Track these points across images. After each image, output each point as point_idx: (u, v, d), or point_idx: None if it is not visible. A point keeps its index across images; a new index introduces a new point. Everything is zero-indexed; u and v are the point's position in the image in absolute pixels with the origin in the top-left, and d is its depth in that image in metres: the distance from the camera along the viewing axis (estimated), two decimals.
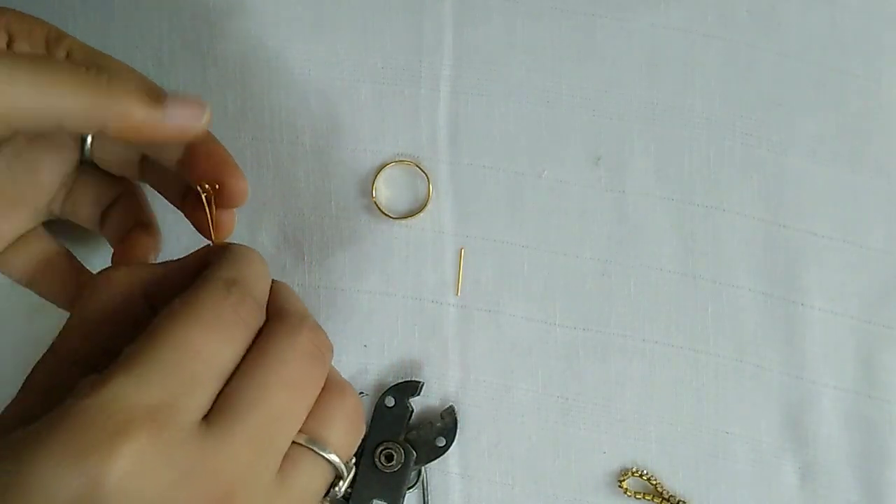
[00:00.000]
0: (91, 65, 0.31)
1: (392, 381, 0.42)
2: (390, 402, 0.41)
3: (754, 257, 0.42)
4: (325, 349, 0.32)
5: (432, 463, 0.42)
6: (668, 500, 0.41)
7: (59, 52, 0.33)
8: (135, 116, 0.31)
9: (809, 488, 0.41)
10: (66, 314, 0.42)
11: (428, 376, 0.42)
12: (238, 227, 0.42)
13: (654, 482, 0.41)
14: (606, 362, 0.42)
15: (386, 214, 0.42)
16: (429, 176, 0.43)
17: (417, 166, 0.43)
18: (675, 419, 0.42)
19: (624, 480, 0.41)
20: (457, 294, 0.42)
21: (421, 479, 0.41)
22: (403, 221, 0.43)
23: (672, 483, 0.42)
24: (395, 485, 0.40)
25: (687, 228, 0.43)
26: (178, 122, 0.31)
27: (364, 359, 0.42)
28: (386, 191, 0.43)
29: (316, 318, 0.42)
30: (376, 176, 0.43)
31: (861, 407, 0.42)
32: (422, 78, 0.43)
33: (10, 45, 0.33)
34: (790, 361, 0.42)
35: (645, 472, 0.41)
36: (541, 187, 0.43)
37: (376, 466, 0.40)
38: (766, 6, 0.44)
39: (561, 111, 0.43)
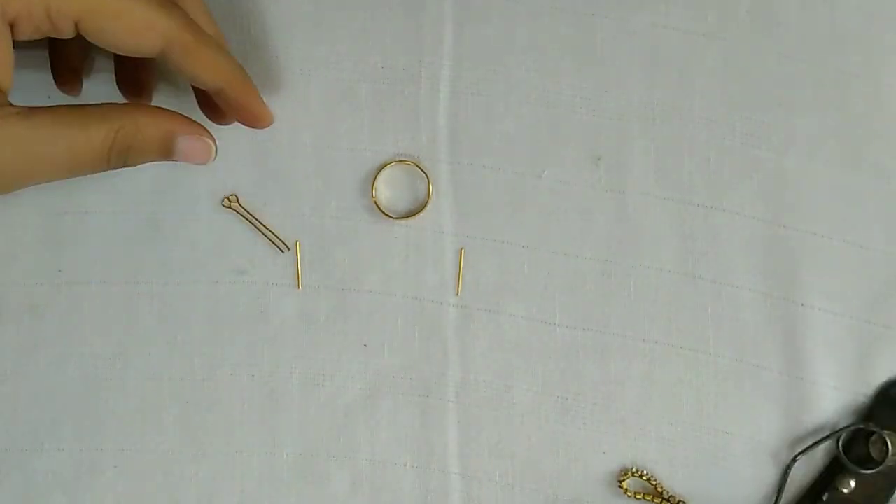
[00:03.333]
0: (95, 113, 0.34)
1: (392, 381, 0.42)
2: None
3: (754, 257, 0.42)
4: None
5: (432, 462, 0.42)
6: (668, 501, 0.41)
7: (63, 26, 0.34)
8: (149, 159, 0.36)
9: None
10: (65, 315, 0.42)
11: (428, 376, 0.42)
12: (238, 227, 0.42)
13: (654, 482, 0.41)
14: (606, 362, 0.42)
15: (386, 214, 0.42)
16: (429, 176, 0.43)
17: (417, 166, 0.43)
18: (675, 419, 0.42)
19: (624, 480, 0.41)
20: (457, 294, 0.42)
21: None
22: (403, 221, 0.43)
23: (672, 483, 0.42)
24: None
25: (687, 228, 0.43)
26: (187, 159, 0.36)
27: (364, 359, 0.42)
28: (386, 191, 0.43)
29: (316, 318, 0.42)
30: (376, 176, 0.43)
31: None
32: (422, 78, 0.43)
33: (13, 29, 0.33)
34: (790, 361, 0.42)
35: (645, 472, 0.41)
36: (541, 187, 0.43)
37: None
38: (766, 6, 0.44)
39: (561, 111, 0.43)
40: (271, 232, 0.42)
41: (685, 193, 0.43)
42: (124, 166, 0.35)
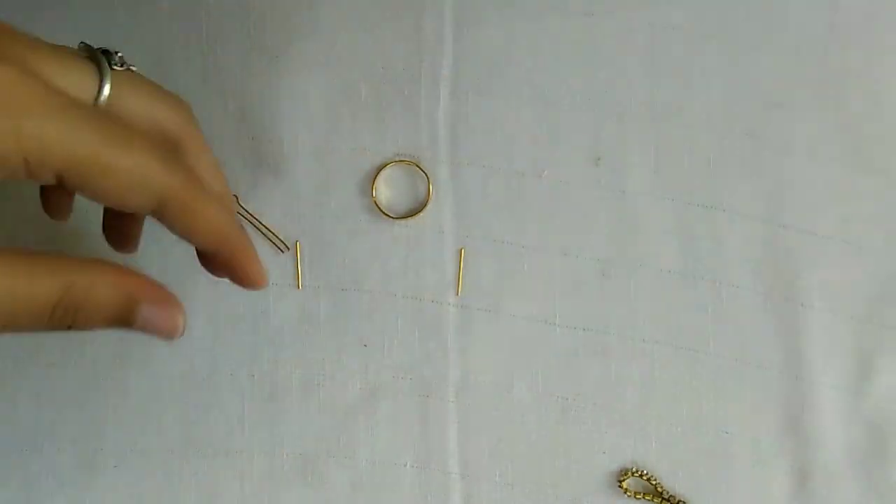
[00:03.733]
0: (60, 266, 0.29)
1: (392, 381, 0.42)
2: None
3: (754, 257, 0.42)
4: None
5: (432, 462, 0.42)
6: (668, 500, 0.41)
7: (43, 176, 0.29)
8: (101, 326, 0.30)
9: (809, 488, 0.41)
10: None
11: (428, 376, 0.42)
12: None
13: (654, 482, 0.41)
14: (606, 362, 0.42)
15: (386, 214, 0.42)
16: (429, 176, 0.43)
17: (417, 166, 0.43)
18: (675, 419, 0.42)
19: (624, 480, 0.41)
20: (457, 294, 0.42)
21: None
22: (403, 221, 0.43)
23: (672, 483, 0.42)
24: None
25: (687, 228, 0.43)
26: (149, 332, 0.31)
27: (364, 359, 0.42)
28: (386, 191, 0.43)
29: (316, 318, 0.42)
30: (376, 176, 0.43)
31: (861, 407, 0.42)
32: (422, 78, 0.43)
33: None
34: (790, 361, 0.42)
35: (645, 472, 0.41)
36: (541, 187, 0.43)
37: None
38: (766, 6, 0.44)
39: (561, 111, 0.43)
40: (271, 232, 0.42)
41: (685, 193, 0.43)
42: (70, 329, 0.29)
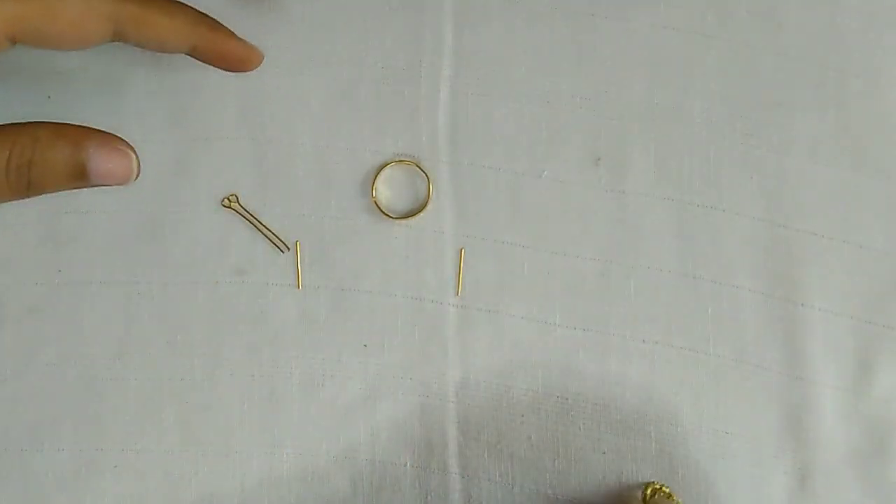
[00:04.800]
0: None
1: (392, 381, 0.42)
2: None
3: (754, 257, 0.43)
4: None
5: (432, 462, 0.42)
6: None
7: None
8: (59, 181, 0.31)
9: (809, 488, 0.41)
10: (65, 314, 0.42)
11: (428, 376, 0.42)
12: (238, 227, 0.42)
13: (677, 500, 0.41)
14: (606, 362, 0.42)
15: (386, 214, 0.42)
16: (429, 176, 0.43)
17: (417, 166, 0.43)
18: (675, 419, 0.42)
19: (649, 497, 0.40)
20: (457, 294, 0.42)
21: None
22: (403, 221, 0.43)
23: (672, 483, 0.42)
24: None
25: (687, 228, 0.43)
26: (104, 177, 0.31)
27: (364, 359, 0.42)
28: (386, 191, 0.43)
29: (316, 317, 0.42)
30: (376, 176, 0.43)
31: (861, 407, 0.42)
32: (422, 78, 0.43)
33: None
34: (790, 361, 0.42)
35: (666, 486, 0.41)
36: (541, 187, 0.43)
37: None
38: (766, 6, 0.44)
39: (561, 111, 0.43)
40: (271, 232, 0.42)
41: (685, 193, 0.43)
42: (32, 192, 0.30)
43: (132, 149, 0.32)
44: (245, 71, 0.36)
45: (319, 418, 0.42)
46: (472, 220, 0.43)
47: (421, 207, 0.43)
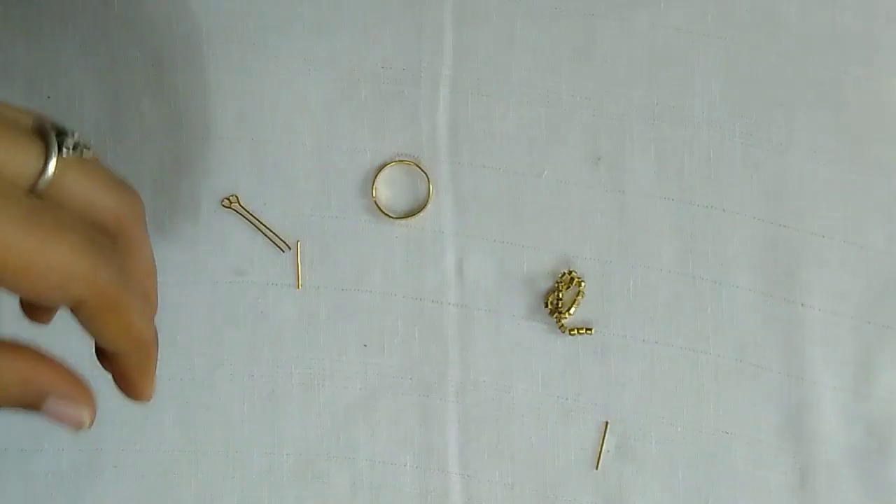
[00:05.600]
0: None
1: (392, 381, 0.42)
2: None
3: (754, 257, 0.42)
4: None
5: (432, 462, 0.42)
6: None
7: None
8: (9, 408, 0.30)
9: (809, 488, 0.41)
10: (65, 314, 0.42)
11: (428, 376, 0.42)
12: (238, 227, 0.42)
13: None
14: (606, 362, 0.42)
15: (386, 214, 0.42)
16: (429, 176, 0.43)
17: (417, 166, 0.43)
18: (675, 419, 0.42)
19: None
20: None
21: None
22: (403, 221, 0.43)
23: (672, 483, 0.42)
24: None
25: (687, 228, 0.43)
26: (55, 421, 0.30)
27: (364, 359, 0.42)
28: (386, 191, 0.43)
29: (316, 317, 0.42)
30: (376, 176, 0.43)
31: (861, 407, 0.42)
32: (422, 78, 0.43)
33: None
34: (790, 361, 0.42)
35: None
36: (541, 187, 0.43)
37: None
38: (766, 6, 0.44)
39: (561, 111, 0.43)
40: (271, 232, 0.42)
41: (685, 193, 0.43)
42: None
43: (89, 401, 0.31)
44: (129, 398, 0.34)
45: (319, 418, 0.42)
46: (472, 220, 0.43)
47: (421, 207, 0.43)
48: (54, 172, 0.29)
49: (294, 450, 0.42)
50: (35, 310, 0.35)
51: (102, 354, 0.33)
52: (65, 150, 0.29)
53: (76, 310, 0.30)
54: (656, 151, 0.43)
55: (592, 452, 0.42)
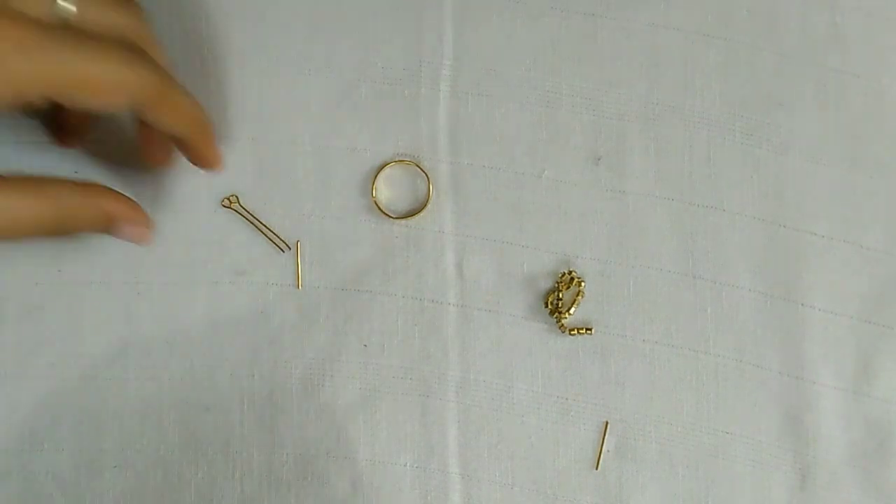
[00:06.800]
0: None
1: (392, 381, 0.42)
2: None
3: (754, 257, 0.43)
4: None
5: (432, 462, 0.42)
6: None
7: (34, 100, 0.34)
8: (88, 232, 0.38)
9: (809, 488, 0.41)
10: (65, 314, 0.42)
11: (428, 376, 0.42)
12: (238, 227, 0.42)
13: None
14: (606, 362, 0.42)
15: (386, 214, 0.42)
16: (429, 176, 0.43)
17: (417, 166, 0.43)
18: (675, 419, 0.42)
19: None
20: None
21: None
22: (403, 221, 0.43)
23: (672, 483, 0.42)
24: None
25: (687, 228, 0.43)
26: (125, 239, 0.38)
27: (364, 359, 0.42)
28: (386, 191, 0.43)
29: (315, 318, 0.42)
30: (376, 176, 0.43)
31: (861, 407, 0.42)
32: (422, 78, 0.43)
33: None
34: (790, 361, 0.42)
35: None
36: (541, 187, 0.43)
37: None
38: (766, 6, 0.44)
39: (561, 111, 0.43)
40: (271, 232, 0.42)
41: (685, 193, 0.43)
42: (62, 236, 0.38)
43: (150, 223, 0.39)
44: (201, 169, 0.41)
45: (319, 418, 0.42)
46: (472, 220, 0.43)
47: (421, 207, 0.43)
48: (76, 7, 0.35)
49: (294, 450, 0.42)
50: (70, 133, 0.42)
51: (148, 144, 0.40)
52: None
53: (139, 110, 0.36)
54: (656, 151, 0.43)
55: (592, 452, 0.42)
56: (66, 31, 0.33)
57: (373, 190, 0.43)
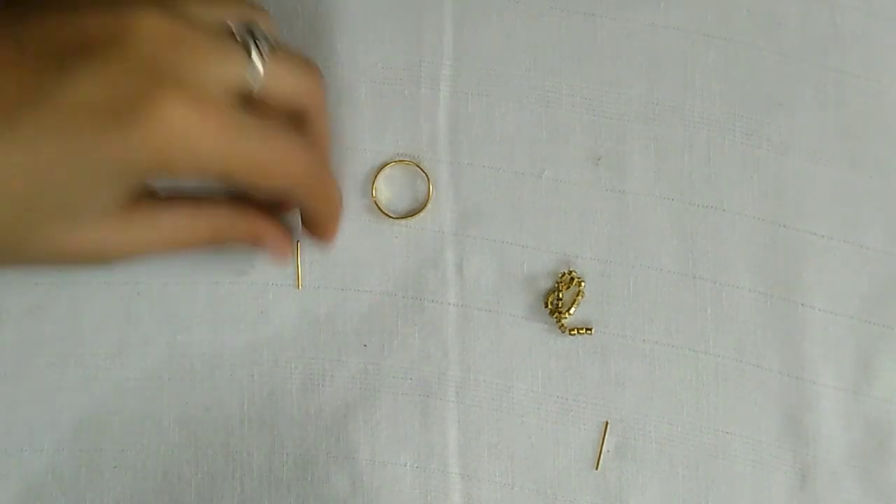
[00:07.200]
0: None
1: (392, 381, 0.42)
2: None
3: (754, 257, 0.43)
4: None
5: (432, 462, 0.42)
6: None
7: (211, 179, 0.34)
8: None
9: (809, 488, 0.41)
10: (65, 314, 0.42)
11: (428, 376, 0.42)
12: None
13: None
14: (606, 362, 0.42)
15: (386, 214, 0.42)
16: (429, 176, 0.43)
17: (417, 166, 0.43)
18: (675, 419, 0.42)
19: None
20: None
21: None
22: (403, 221, 0.43)
23: (672, 483, 0.42)
24: None
25: (687, 228, 0.43)
26: (268, 254, 0.39)
27: (364, 359, 0.42)
28: (386, 191, 0.43)
29: (316, 318, 0.42)
30: (376, 176, 0.43)
31: (861, 407, 0.42)
32: (422, 78, 0.43)
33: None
34: (790, 361, 0.42)
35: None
36: (541, 187, 0.43)
37: None
38: (766, 6, 0.44)
39: (561, 111, 0.43)
40: None
41: (685, 193, 0.43)
42: (212, 249, 0.40)
43: (290, 245, 0.40)
44: (320, 243, 0.41)
45: (319, 418, 0.42)
46: (472, 220, 0.43)
47: (421, 207, 0.43)
48: (264, 76, 0.33)
49: (294, 450, 0.42)
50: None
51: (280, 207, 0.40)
52: (265, 51, 0.33)
53: (290, 194, 0.36)
54: (656, 151, 0.43)
55: (592, 452, 0.42)
56: (250, 116, 0.33)
57: (373, 190, 0.43)
